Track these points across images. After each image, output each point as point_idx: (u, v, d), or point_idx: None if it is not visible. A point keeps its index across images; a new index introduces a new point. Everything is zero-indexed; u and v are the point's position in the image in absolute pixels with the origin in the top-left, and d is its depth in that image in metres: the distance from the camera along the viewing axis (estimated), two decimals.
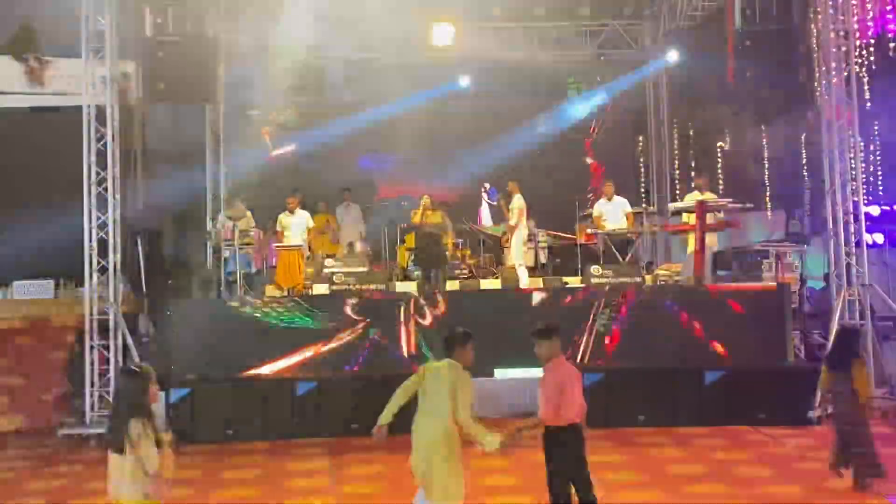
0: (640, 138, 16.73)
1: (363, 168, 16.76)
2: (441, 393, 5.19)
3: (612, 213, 12.61)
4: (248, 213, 12.93)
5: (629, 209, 12.71)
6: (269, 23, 13.75)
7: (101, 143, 10.49)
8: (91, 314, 10.35)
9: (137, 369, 4.72)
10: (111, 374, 10.17)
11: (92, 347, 10.32)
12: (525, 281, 11.81)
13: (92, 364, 10.27)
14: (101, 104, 10.54)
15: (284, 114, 15.20)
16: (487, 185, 14.75)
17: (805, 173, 13.44)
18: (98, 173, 10.46)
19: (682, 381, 9.97)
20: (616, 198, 12.71)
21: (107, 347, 10.35)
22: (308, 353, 10.43)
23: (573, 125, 16.66)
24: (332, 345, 10.46)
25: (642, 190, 15.92)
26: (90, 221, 10.38)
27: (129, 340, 10.40)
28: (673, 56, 14.73)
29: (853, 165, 10.78)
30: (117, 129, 10.64)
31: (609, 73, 16.22)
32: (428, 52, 14.84)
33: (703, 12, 13.61)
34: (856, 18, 11.24)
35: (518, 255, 12.17)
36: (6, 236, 11.43)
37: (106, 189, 10.45)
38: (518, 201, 12.29)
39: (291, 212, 12.72)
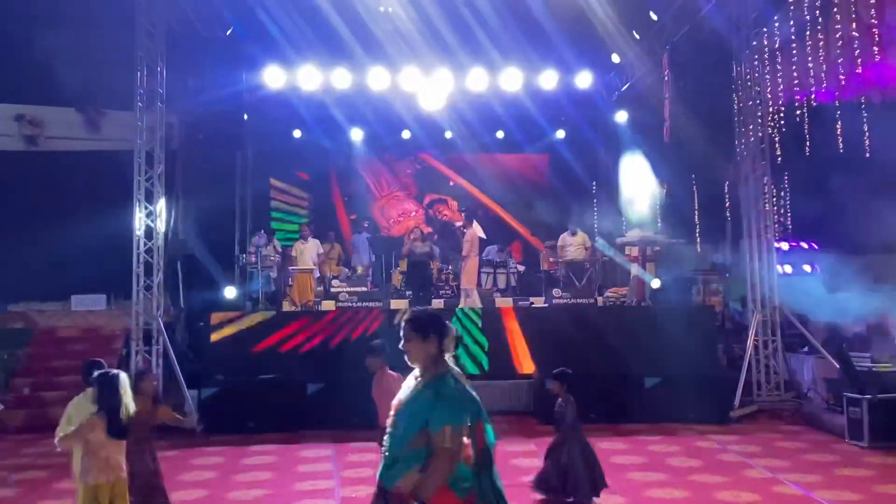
0: (594, 183, 16.95)
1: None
2: None
3: (574, 244, 12.84)
4: (275, 240, 13.07)
5: (589, 243, 13.03)
6: (288, 79, 13.74)
7: (149, 182, 10.57)
8: (137, 324, 10.41)
9: (115, 374, 4.70)
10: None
11: (137, 352, 10.35)
12: (477, 301, 11.77)
13: (136, 366, 10.27)
14: (149, 150, 10.62)
15: None
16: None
17: (728, 214, 13.69)
18: (146, 207, 10.53)
19: (627, 385, 10.05)
20: (579, 232, 13.05)
21: (149, 352, 10.40)
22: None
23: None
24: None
25: (595, 226, 16.13)
26: (138, 247, 10.44)
27: (169, 347, 10.41)
28: (621, 116, 15.15)
29: (766, 209, 11.02)
30: (163, 170, 10.72)
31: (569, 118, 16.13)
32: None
33: (647, 75, 13.80)
34: (769, 89, 11.48)
35: (472, 279, 12.12)
36: (67, 257, 11.44)
37: (153, 220, 10.53)
38: (470, 234, 12.30)
39: (304, 238, 12.81)
